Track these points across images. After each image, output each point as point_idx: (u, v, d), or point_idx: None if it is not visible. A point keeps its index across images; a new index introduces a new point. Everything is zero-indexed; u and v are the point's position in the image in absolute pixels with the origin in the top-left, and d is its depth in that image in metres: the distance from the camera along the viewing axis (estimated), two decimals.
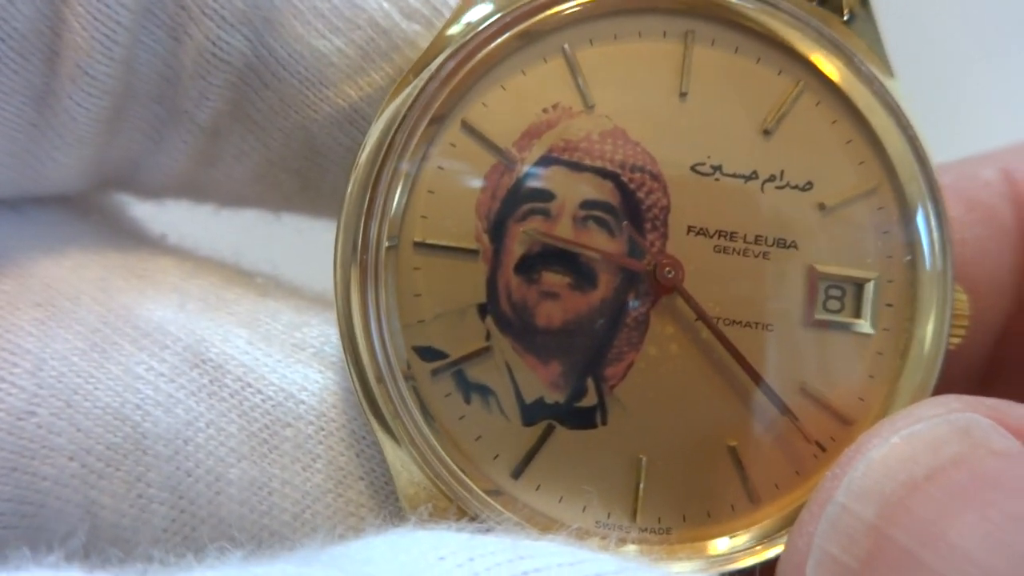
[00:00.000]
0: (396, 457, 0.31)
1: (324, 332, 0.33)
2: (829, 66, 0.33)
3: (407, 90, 0.31)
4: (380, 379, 0.30)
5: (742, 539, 0.32)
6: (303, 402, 0.32)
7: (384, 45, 0.32)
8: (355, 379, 0.31)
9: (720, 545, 0.32)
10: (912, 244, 0.33)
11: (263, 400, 0.32)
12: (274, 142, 0.33)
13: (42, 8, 0.29)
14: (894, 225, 0.33)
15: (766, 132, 0.33)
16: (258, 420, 0.32)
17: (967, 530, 0.25)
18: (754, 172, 0.32)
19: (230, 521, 0.31)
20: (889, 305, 0.33)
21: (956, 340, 0.33)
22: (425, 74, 0.31)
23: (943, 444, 0.27)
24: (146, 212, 0.38)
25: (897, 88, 0.33)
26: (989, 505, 0.25)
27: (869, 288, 0.33)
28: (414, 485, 0.31)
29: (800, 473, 0.32)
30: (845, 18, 0.33)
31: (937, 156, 0.34)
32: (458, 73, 0.31)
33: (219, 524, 0.31)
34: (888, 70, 0.33)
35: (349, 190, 0.31)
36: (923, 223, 0.33)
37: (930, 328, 0.33)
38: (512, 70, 0.32)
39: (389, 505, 0.32)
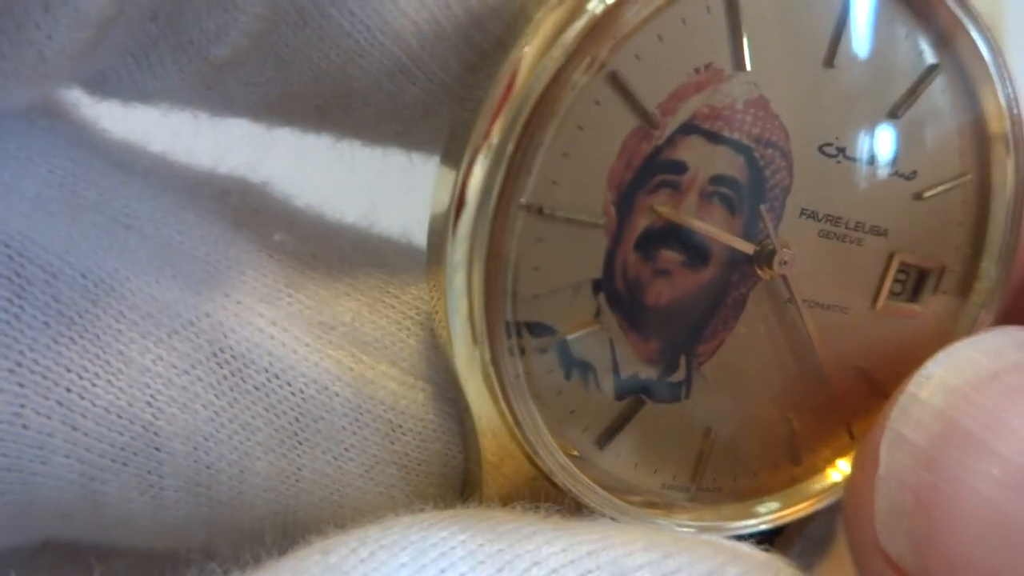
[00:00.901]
0: (485, 413, 0.29)
1: (354, 308, 0.30)
2: (968, 53, 0.31)
3: (562, 34, 0.26)
4: (494, 361, 0.28)
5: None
6: (337, 394, 0.29)
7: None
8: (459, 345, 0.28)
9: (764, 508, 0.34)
10: (979, 240, 0.34)
11: (292, 394, 0.29)
12: (297, 80, 0.28)
13: None
14: (970, 218, 0.34)
15: (892, 116, 0.31)
16: (287, 414, 0.29)
17: None
18: (872, 158, 0.31)
19: (254, 505, 0.29)
20: (944, 292, 0.35)
21: None
22: (584, 16, 0.26)
23: (1004, 351, 0.30)
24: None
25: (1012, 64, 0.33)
26: None
27: (934, 275, 0.34)
28: (499, 450, 0.30)
29: (849, 438, 0.35)
30: None
31: None
32: (615, 19, 0.26)
33: (242, 508, 0.29)
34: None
35: (479, 143, 0.26)
36: (1007, 217, 0.34)
37: (990, 316, 0.35)
38: (674, 18, 0.27)
39: (421, 489, 0.31)
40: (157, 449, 0.28)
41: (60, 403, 0.27)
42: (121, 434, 0.27)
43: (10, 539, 0.29)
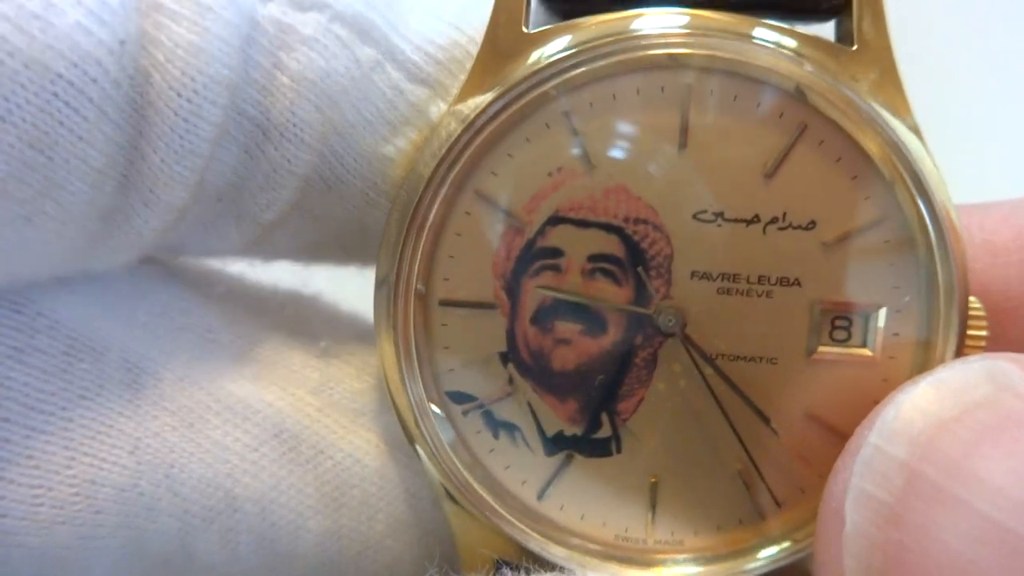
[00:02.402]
0: (456, 515, 0.36)
1: (378, 397, 0.38)
2: (831, 105, 0.33)
3: (423, 168, 0.34)
4: (417, 423, 0.35)
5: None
6: (367, 466, 0.37)
7: (436, 144, 0.34)
8: (404, 428, 0.36)
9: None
10: (920, 274, 0.34)
11: (333, 465, 0.36)
12: (328, 229, 0.36)
13: (119, 143, 0.30)
14: (901, 256, 0.34)
15: (767, 176, 0.34)
16: (330, 482, 0.36)
17: (994, 465, 0.26)
18: (756, 216, 0.34)
19: (307, 557, 0.36)
20: (896, 334, 0.34)
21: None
22: (440, 151, 0.34)
23: (970, 387, 0.28)
24: None
25: (909, 119, 0.33)
26: (1015, 442, 0.26)
27: (876, 318, 0.34)
28: (470, 534, 0.36)
29: (805, 492, 0.35)
30: (854, 47, 0.33)
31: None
32: (469, 147, 0.34)
33: (297, 560, 0.36)
34: (903, 99, 0.33)
35: (379, 257, 0.35)
36: (932, 253, 0.33)
37: (948, 352, 0.34)
38: (518, 139, 0.34)
39: (435, 549, 0.38)
40: (235, 510, 0.35)
41: (166, 476, 0.35)
42: (209, 499, 0.35)
43: None
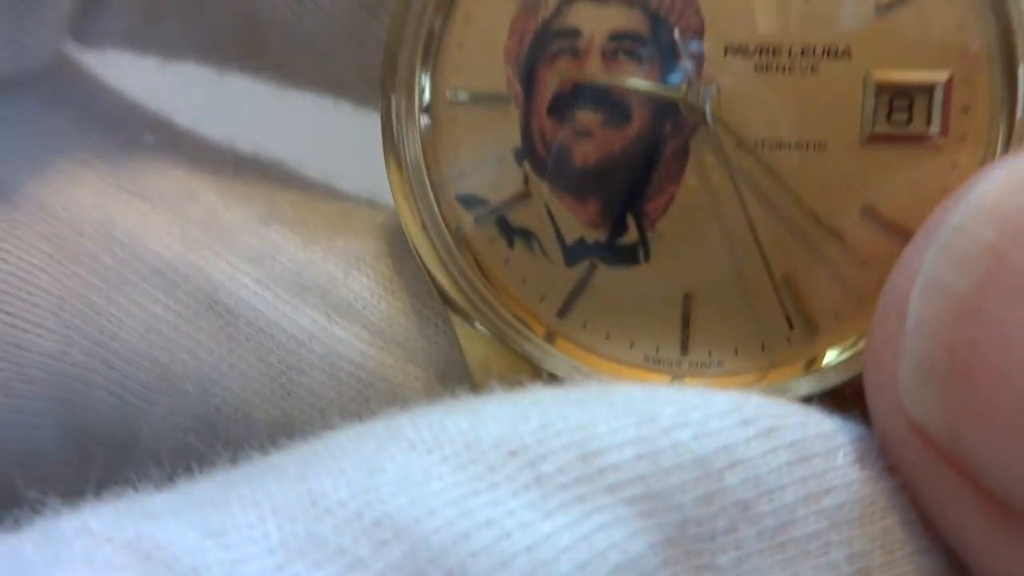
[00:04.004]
0: (461, 328, 0.32)
1: (327, 271, 0.33)
2: None
3: None
4: (424, 227, 0.32)
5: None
6: (314, 351, 0.32)
7: None
8: (413, 245, 0.32)
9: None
10: (990, 37, 0.29)
11: (276, 346, 0.32)
12: (214, 9, 0.33)
13: None
14: (968, 17, 0.29)
15: None
16: (275, 366, 0.32)
17: None
18: None
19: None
20: (966, 109, 0.30)
21: None
22: None
23: None
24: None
25: None
26: None
27: (939, 91, 0.30)
28: (482, 353, 0.32)
29: (864, 301, 0.30)
30: None
31: None
32: None
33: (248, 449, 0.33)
34: None
35: (384, 53, 0.32)
36: (1010, 8, 0.29)
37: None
38: None
39: None
40: (176, 390, 0.32)
41: (97, 344, 0.32)
42: (146, 374, 0.32)
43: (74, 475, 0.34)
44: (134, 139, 0.35)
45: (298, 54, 0.34)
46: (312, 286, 0.33)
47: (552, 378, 0.32)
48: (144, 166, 0.34)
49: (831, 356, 0.31)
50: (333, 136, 0.38)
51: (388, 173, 0.33)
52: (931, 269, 0.24)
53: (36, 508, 0.25)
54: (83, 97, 0.36)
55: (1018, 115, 0.29)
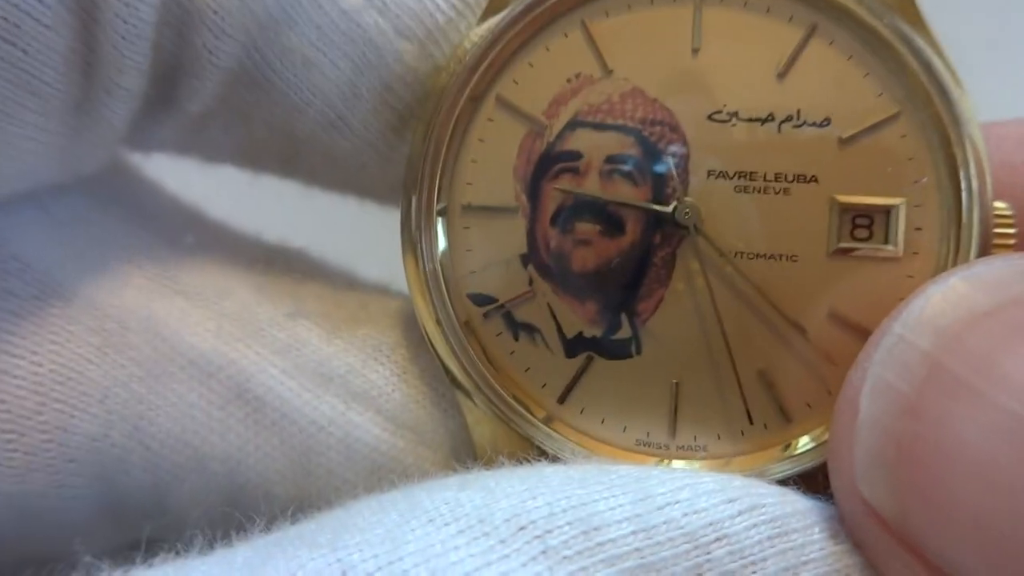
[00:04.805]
0: (470, 412, 0.36)
1: (348, 362, 0.36)
2: (841, 5, 0.34)
3: (447, 76, 0.36)
4: (438, 322, 0.36)
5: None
6: (332, 435, 0.35)
7: (375, 60, 0.34)
8: (427, 335, 0.36)
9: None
10: (939, 169, 0.34)
11: (299, 431, 0.35)
12: (257, 130, 0.36)
13: (76, 28, 0.30)
14: (920, 151, 0.34)
15: (780, 76, 0.34)
16: (296, 448, 0.35)
17: (1022, 362, 0.25)
18: (770, 115, 0.34)
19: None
20: (919, 229, 0.34)
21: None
22: (465, 60, 0.36)
23: (1005, 284, 0.27)
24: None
25: (919, 13, 0.34)
26: None
27: (896, 213, 0.34)
28: (489, 435, 0.36)
29: (832, 393, 0.34)
30: None
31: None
32: (489, 55, 0.36)
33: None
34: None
35: (407, 166, 0.37)
36: (950, 145, 0.33)
37: (973, 250, 0.33)
38: (537, 47, 0.36)
39: None
40: (204, 469, 0.35)
41: (136, 428, 0.35)
42: (178, 455, 0.35)
43: (108, 537, 0.36)
44: (176, 238, 0.38)
45: (330, 166, 0.38)
46: (333, 376, 0.36)
47: (555, 458, 0.35)
48: (184, 264, 0.37)
49: (804, 442, 0.34)
50: (355, 221, 0.42)
51: (406, 270, 0.37)
52: (879, 371, 0.28)
53: (89, 572, 0.28)
54: (132, 197, 0.39)
55: (963, 234, 0.33)
